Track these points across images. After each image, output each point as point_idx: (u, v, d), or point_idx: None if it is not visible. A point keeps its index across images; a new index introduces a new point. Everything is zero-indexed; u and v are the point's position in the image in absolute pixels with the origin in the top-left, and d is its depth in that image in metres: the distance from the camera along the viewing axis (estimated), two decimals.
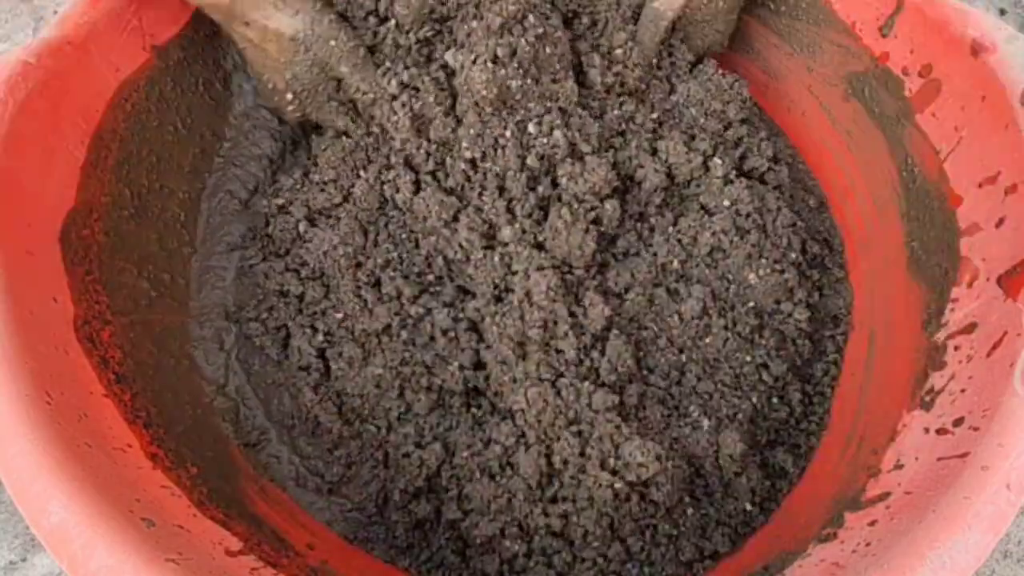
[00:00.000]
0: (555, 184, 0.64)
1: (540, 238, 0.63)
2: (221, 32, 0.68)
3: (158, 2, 0.65)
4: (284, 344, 0.66)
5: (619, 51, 0.68)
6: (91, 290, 0.56)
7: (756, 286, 0.65)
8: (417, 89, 0.64)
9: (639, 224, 0.68)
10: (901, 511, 0.46)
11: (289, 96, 0.68)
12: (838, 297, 0.70)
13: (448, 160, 0.65)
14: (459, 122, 0.64)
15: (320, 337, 0.65)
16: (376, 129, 0.69)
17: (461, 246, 0.65)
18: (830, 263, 0.72)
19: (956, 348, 0.53)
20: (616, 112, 0.68)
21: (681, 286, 0.65)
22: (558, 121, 0.63)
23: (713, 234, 0.66)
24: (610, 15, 0.69)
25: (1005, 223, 0.53)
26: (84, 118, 0.58)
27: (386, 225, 0.68)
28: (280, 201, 0.70)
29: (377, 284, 0.65)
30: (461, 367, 0.62)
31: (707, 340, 0.63)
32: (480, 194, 0.64)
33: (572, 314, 0.61)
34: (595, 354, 0.60)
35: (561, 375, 0.59)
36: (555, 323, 0.60)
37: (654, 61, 0.71)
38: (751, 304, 0.65)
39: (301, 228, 0.68)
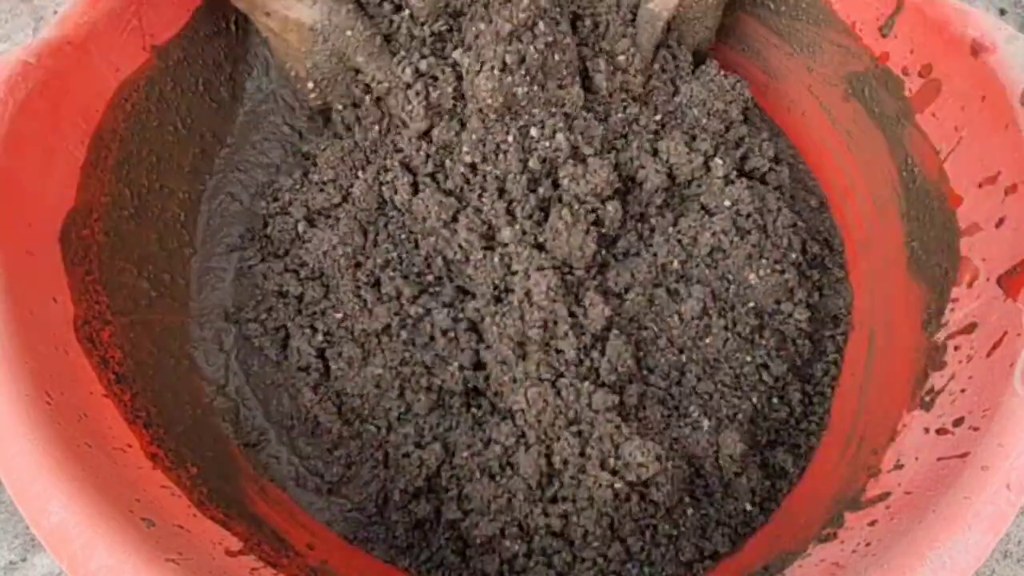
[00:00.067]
0: (556, 185, 0.64)
1: (540, 239, 0.63)
2: (225, 29, 0.69)
3: (158, 2, 0.65)
4: (283, 344, 0.66)
5: (621, 57, 0.68)
6: (91, 290, 0.56)
7: (756, 286, 0.65)
8: (435, 78, 0.64)
9: (639, 224, 0.68)
10: (901, 511, 0.46)
11: (310, 84, 0.69)
12: (838, 297, 0.70)
13: (447, 163, 0.65)
14: (463, 125, 0.64)
15: (319, 337, 0.65)
16: (375, 134, 0.69)
17: (460, 247, 0.65)
18: (830, 263, 0.72)
19: (956, 348, 0.53)
20: (620, 115, 0.69)
21: (681, 286, 0.65)
22: (561, 124, 0.63)
23: (713, 234, 0.66)
24: (611, 17, 0.69)
25: (1005, 223, 0.53)
26: (84, 118, 0.58)
27: (385, 225, 0.68)
28: (279, 202, 0.70)
29: (377, 284, 0.65)
30: (461, 367, 0.62)
31: (707, 340, 0.63)
32: (480, 195, 0.64)
33: (572, 314, 0.61)
34: (595, 354, 0.61)
35: (561, 375, 0.59)
36: (555, 323, 0.60)
37: (657, 66, 0.71)
38: (751, 304, 0.65)
39: (300, 228, 0.68)
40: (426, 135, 0.65)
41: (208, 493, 0.53)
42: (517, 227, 0.63)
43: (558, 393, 0.58)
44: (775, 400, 0.64)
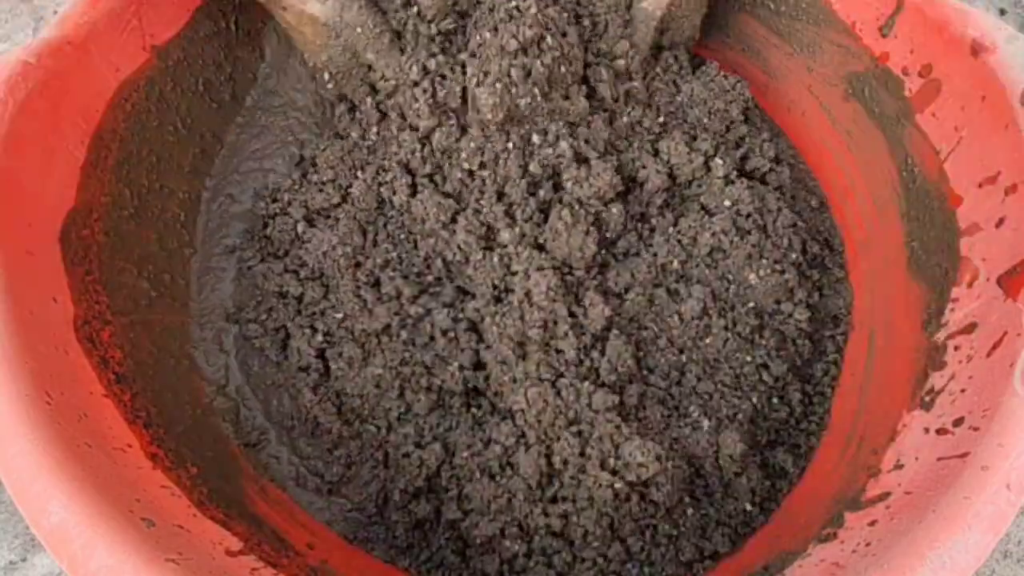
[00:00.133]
0: (556, 188, 0.64)
1: (540, 239, 0.63)
2: (225, 29, 0.69)
3: (158, 2, 0.65)
4: (283, 345, 0.66)
5: (621, 61, 0.68)
6: (91, 290, 0.56)
7: (756, 286, 0.65)
8: (443, 76, 0.64)
9: (640, 224, 0.68)
10: (901, 511, 0.46)
11: (326, 76, 0.71)
12: (838, 297, 0.70)
13: (446, 166, 0.65)
14: (463, 131, 0.64)
15: (319, 337, 0.65)
16: (374, 135, 0.69)
17: (460, 248, 0.65)
18: (830, 263, 0.72)
19: (956, 348, 0.53)
20: (624, 119, 0.69)
21: (681, 286, 0.65)
22: (565, 131, 0.63)
23: (713, 234, 0.66)
24: (610, 17, 0.69)
25: (1005, 223, 0.53)
26: (84, 118, 0.58)
27: (385, 225, 0.68)
28: (278, 202, 0.70)
29: (376, 284, 0.65)
30: (461, 367, 0.62)
31: (707, 340, 0.63)
32: (479, 198, 0.64)
33: (572, 314, 0.61)
34: (595, 354, 0.60)
35: (561, 375, 0.59)
36: (555, 323, 0.60)
37: (660, 68, 0.72)
38: (751, 304, 0.65)
39: (300, 229, 0.68)
40: (426, 139, 0.65)
41: (208, 493, 0.53)
42: (516, 229, 0.63)
43: (558, 393, 0.58)
44: (775, 400, 0.64)
